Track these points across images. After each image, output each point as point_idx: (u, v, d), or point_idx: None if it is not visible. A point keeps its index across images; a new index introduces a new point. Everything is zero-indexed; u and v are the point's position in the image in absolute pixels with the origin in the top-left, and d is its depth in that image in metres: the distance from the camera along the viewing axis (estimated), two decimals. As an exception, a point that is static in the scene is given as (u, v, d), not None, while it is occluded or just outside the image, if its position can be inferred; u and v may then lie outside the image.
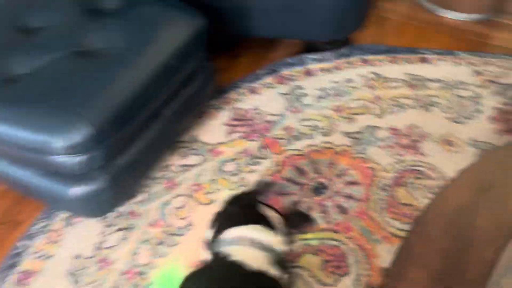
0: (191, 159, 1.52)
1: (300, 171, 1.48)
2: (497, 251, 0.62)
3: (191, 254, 1.27)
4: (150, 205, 1.40)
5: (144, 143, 1.28)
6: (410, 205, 1.37)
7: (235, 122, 1.64)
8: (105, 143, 1.12)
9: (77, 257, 1.29)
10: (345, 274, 1.23)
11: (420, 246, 0.63)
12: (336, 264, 1.25)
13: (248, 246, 0.91)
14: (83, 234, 1.33)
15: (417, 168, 1.47)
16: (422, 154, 1.51)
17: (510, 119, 1.63)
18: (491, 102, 1.69)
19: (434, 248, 0.64)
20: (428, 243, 0.64)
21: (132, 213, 1.38)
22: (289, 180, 1.45)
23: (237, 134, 1.60)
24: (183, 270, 1.24)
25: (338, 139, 1.56)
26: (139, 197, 1.42)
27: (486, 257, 0.62)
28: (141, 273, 1.24)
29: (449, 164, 1.47)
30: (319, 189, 1.43)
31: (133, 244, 1.31)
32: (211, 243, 1.00)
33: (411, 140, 1.55)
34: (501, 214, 0.67)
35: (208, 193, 1.43)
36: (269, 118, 1.65)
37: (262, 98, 1.72)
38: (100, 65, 1.18)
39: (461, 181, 0.72)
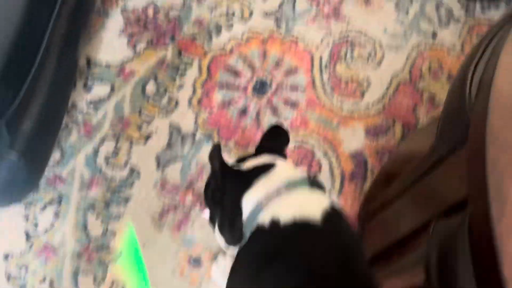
0: (99, 90, 1.20)
1: (234, 72, 1.28)
2: None
3: (150, 204, 1.08)
4: (73, 162, 1.11)
5: (45, 91, 0.93)
6: (353, 80, 1.31)
7: (134, 29, 1.30)
8: (3, 113, 0.77)
9: (8, 256, 1.00)
10: (319, 170, 1.18)
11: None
12: (307, 163, 1.18)
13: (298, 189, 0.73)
14: (2, 226, 1.01)
15: (347, 38, 1.38)
16: (346, 20, 1.41)
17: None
18: None
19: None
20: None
21: (54, 180, 1.08)
22: (225, 86, 1.26)
23: (142, 44, 1.28)
24: (148, 225, 1.05)
25: (259, 23, 1.36)
26: (55, 156, 1.10)
27: None
28: (101, 248, 1.03)
29: (375, 25, 1.41)
30: (261, 88, 1.27)
31: (74, 218, 1.05)
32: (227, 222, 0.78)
33: (331, 7, 1.43)
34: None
35: (139, 127, 1.17)
36: (172, 13, 1.34)
37: (154, -12, 1.37)
38: None
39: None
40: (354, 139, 1.22)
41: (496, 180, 0.56)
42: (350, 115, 1.25)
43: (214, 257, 1.02)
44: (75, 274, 0.99)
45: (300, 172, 0.78)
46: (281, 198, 0.72)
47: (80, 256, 1.01)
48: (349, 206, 1.13)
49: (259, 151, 0.86)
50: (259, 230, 0.71)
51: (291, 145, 1.19)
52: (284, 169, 0.77)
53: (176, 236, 1.04)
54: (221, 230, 0.81)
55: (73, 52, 1.05)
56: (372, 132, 1.23)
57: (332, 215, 0.70)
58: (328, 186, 1.15)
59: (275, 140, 0.88)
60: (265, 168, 0.77)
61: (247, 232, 0.74)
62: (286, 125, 1.22)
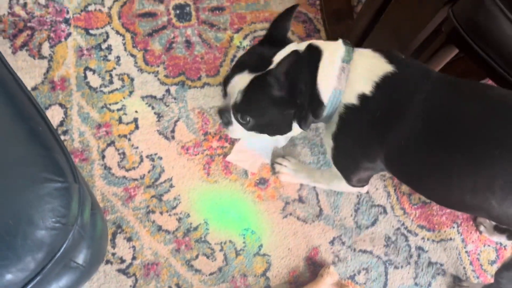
0: (53, 115, 1.06)
1: (148, 13, 1.20)
2: None
3: (190, 170, 1.08)
4: (96, 188, 1.03)
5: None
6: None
7: (22, 38, 1.12)
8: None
9: None
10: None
11: None
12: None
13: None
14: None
15: None
16: None
17: None
18: None
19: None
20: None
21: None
22: (153, 31, 1.19)
23: (45, 46, 1.12)
24: (203, 185, 1.07)
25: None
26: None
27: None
28: (188, 232, 1.04)
29: None
30: (181, 12, 1.22)
31: (145, 230, 1.03)
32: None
33: None
34: None
35: (119, 120, 1.09)
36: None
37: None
38: None
39: None
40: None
41: None
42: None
43: (272, 169, 1.09)
44: (189, 263, 1.01)
45: (338, 44, 0.79)
46: (350, 74, 0.76)
47: (179, 250, 1.02)
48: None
49: (276, 39, 0.81)
50: (351, 109, 0.77)
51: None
52: (328, 48, 0.77)
53: (231, 177, 1.09)
54: (303, 125, 0.82)
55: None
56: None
57: (391, 53, 0.77)
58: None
59: (284, 24, 0.82)
60: (315, 55, 0.77)
61: (329, 113, 0.79)
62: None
